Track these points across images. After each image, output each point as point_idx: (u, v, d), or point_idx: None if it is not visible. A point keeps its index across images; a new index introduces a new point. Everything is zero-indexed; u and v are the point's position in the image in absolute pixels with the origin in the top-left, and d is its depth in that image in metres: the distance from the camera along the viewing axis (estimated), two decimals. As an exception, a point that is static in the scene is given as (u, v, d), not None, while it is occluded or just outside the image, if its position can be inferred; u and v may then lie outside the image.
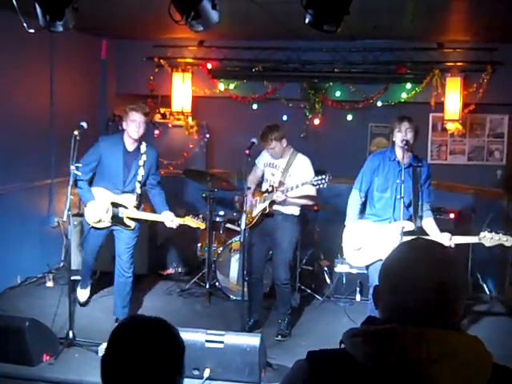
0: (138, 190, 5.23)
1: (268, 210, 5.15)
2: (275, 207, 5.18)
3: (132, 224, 5.26)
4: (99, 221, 5.22)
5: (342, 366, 1.39)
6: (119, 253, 5.37)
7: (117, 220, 5.24)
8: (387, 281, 1.47)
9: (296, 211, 5.23)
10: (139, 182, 5.21)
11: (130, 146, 5.20)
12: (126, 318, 1.74)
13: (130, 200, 5.21)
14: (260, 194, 5.31)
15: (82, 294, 5.88)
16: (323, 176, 4.74)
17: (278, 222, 5.20)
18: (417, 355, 1.31)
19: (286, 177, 5.16)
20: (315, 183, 4.79)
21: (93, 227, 5.31)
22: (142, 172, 5.20)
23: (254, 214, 5.27)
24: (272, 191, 5.13)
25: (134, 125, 5.06)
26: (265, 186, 5.33)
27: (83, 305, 5.84)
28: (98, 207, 5.16)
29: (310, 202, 5.28)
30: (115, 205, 5.22)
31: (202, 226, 5.33)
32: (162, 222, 5.29)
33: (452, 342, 1.33)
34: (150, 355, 1.63)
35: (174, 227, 5.24)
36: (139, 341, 1.65)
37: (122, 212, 5.21)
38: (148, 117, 5.30)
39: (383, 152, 4.95)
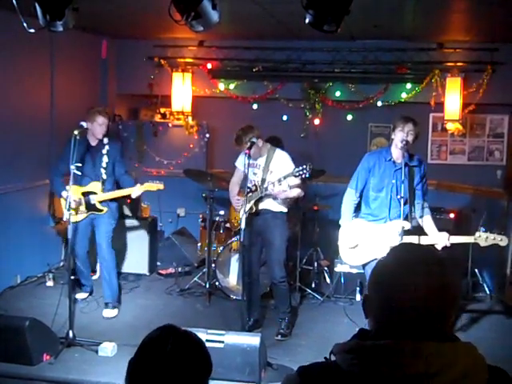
0: (104, 176, 5.66)
1: (254, 209, 5.17)
2: (263, 206, 5.19)
3: (104, 208, 5.69)
4: (76, 213, 5.56)
5: (335, 379, 1.36)
6: (99, 241, 5.76)
7: (90, 207, 5.67)
8: (378, 290, 1.42)
9: (284, 208, 5.24)
10: (104, 168, 5.66)
11: (94, 142, 5.68)
12: (159, 327, 1.73)
13: (96, 186, 5.65)
14: (243, 194, 5.31)
15: (80, 295, 6.04)
16: (304, 166, 4.77)
17: (268, 220, 5.20)
18: (415, 370, 1.28)
19: (268, 174, 5.18)
20: (297, 174, 4.82)
21: (73, 222, 5.42)
22: (105, 159, 5.66)
23: (241, 216, 5.26)
24: (256, 190, 5.15)
25: (100, 128, 5.57)
26: (249, 186, 5.33)
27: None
28: (71, 199, 5.40)
29: (300, 193, 5.26)
30: (85, 194, 5.65)
31: (161, 186, 5.66)
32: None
33: (450, 354, 1.31)
34: (178, 370, 1.62)
35: (139, 194, 5.66)
36: (169, 354, 1.64)
37: (92, 198, 5.65)
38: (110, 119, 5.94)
39: (379, 151, 4.97)
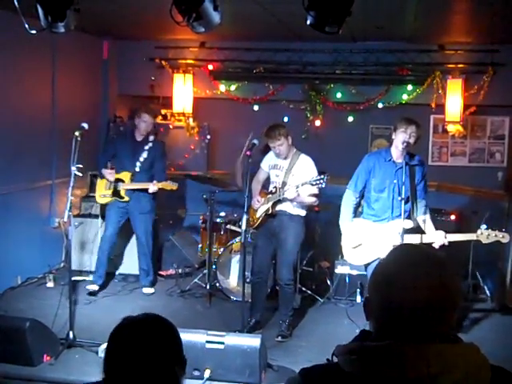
0: (137, 168, 6.13)
1: (271, 211, 5.19)
2: (281, 208, 5.20)
3: (126, 197, 6.14)
4: (104, 196, 6.21)
5: (337, 381, 1.36)
6: (138, 234, 6.34)
7: (115, 193, 6.15)
8: (378, 292, 1.41)
9: (302, 212, 5.25)
10: (140, 161, 6.12)
11: (139, 137, 6.18)
12: (121, 320, 1.85)
13: (127, 175, 6.13)
14: (265, 195, 5.36)
15: (92, 286, 6.19)
16: (321, 176, 4.78)
17: (284, 221, 5.21)
18: (417, 372, 1.28)
19: (289, 177, 5.19)
20: (314, 183, 4.83)
21: (101, 204, 6.43)
22: (144, 155, 6.13)
23: (257, 215, 5.32)
24: (275, 192, 5.18)
25: (144, 124, 6.09)
26: (270, 188, 5.38)
27: (92, 294, 6.14)
28: (104, 184, 6.24)
29: (315, 202, 5.29)
30: (116, 180, 6.15)
31: (174, 186, 6.05)
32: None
33: (452, 356, 1.30)
34: (148, 349, 1.72)
35: (155, 190, 6.03)
36: (137, 337, 1.75)
37: (120, 185, 6.13)
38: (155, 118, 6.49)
39: (378, 152, 4.99)
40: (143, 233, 6.28)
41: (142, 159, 6.12)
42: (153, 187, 6.00)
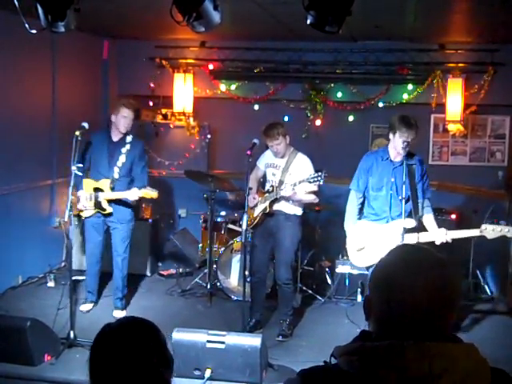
0: (116, 175, 5.52)
1: (268, 210, 5.19)
2: (278, 207, 5.20)
3: (108, 208, 5.52)
4: (86, 208, 5.53)
5: (338, 382, 1.35)
6: (115, 247, 5.71)
7: (97, 205, 5.53)
8: (379, 291, 1.41)
9: (298, 211, 5.24)
10: (118, 167, 5.52)
11: (116, 137, 5.56)
12: (101, 328, 1.84)
13: (106, 183, 5.50)
14: (262, 194, 5.35)
15: (85, 307, 5.82)
16: (319, 173, 4.78)
17: (280, 221, 5.22)
18: (419, 372, 1.27)
19: (286, 175, 5.19)
20: (312, 180, 4.82)
21: (84, 218, 5.61)
22: (122, 159, 5.51)
23: (255, 214, 5.31)
24: (272, 191, 5.18)
25: (124, 120, 5.44)
26: (267, 187, 5.37)
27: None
28: (83, 196, 5.51)
29: (314, 199, 5.28)
30: (96, 190, 5.53)
31: (155, 195, 5.46)
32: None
33: (453, 355, 1.30)
34: (129, 354, 1.73)
35: (137, 198, 5.48)
36: (117, 343, 1.75)
37: (99, 196, 5.51)
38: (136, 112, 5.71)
39: (376, 151, 5.03)
40: (122, 248, 5.68)
41: (120, 164, 5.49)
42: (133, 194, 5.38)
